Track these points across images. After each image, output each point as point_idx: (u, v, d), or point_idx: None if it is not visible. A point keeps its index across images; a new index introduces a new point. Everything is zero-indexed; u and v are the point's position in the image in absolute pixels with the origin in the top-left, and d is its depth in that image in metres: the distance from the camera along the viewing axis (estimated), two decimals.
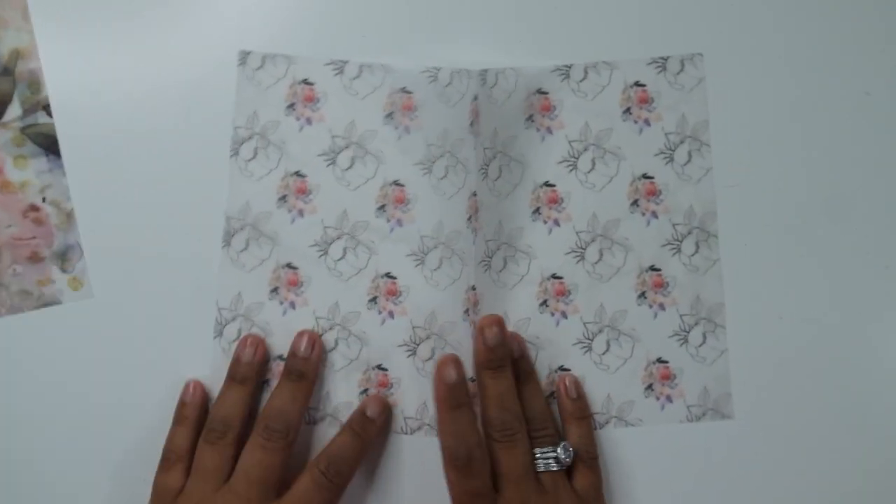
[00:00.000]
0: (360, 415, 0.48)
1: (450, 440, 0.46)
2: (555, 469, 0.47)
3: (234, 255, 0.50)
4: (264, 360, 0.49)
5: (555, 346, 0.50)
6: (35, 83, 0.50)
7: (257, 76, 0.51)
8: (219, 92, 0.51)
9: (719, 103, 0.51)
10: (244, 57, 0.51)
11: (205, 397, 0.49)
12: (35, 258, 0.49)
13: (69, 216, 0.50)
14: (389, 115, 0.51)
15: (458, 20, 0.52)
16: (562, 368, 0.50)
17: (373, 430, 0.48)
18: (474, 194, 0.50)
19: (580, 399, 0.49)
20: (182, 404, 0.48)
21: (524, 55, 0.51)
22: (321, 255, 0.50)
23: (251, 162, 0.51)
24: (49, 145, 0.50)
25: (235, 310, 0.50)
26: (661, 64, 0.51)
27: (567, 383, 0.49)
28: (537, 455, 0.47)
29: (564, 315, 0.50)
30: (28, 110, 0.50)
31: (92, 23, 0.51)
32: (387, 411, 0.49)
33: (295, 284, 0.50)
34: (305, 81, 0.51)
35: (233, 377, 0.48)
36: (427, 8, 0.52)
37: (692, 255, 0.51)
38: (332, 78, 0.51)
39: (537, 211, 0.51)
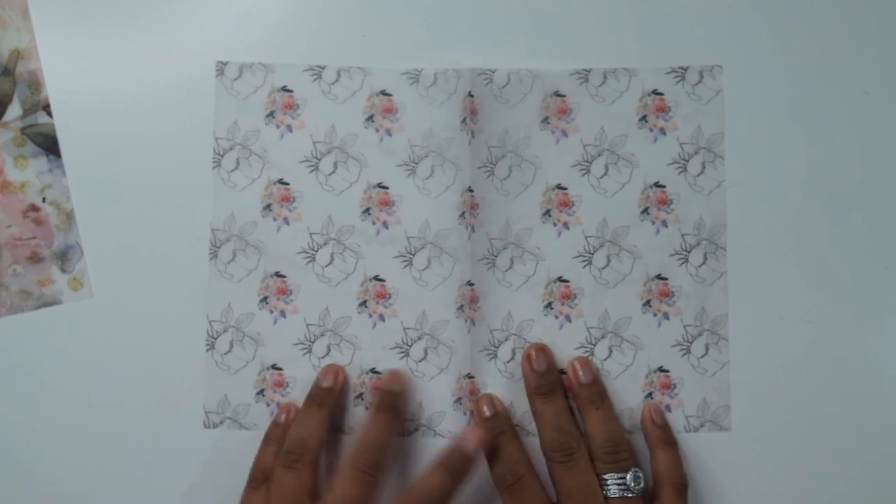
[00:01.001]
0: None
1: (496, 466, 0.47)
2: (629, 496, 0.46)
3: (221, 267, 0.50)
4: (343, 389, 0.49)
5: (557, 350, 0.50)
6: (35, 83, 0.50)
7: (235, 86, 0.51)
8: None
9: (736, 116, 0.51)
10: (221, 67, 0.51)
11: None
12: (35, 258, 0.49)
13: (69, 216, 0.50)
14: (370, 118, 0.51)
15: (478, 23, 0.51)
16: (562, 372, 0.50)
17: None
18: (469, 190, 0.50)
19: (666, 426, 0.49)
20: (274, 425, 0.49)
21: (544, 58, 0.51)
22: (309, 262, 0.50)
23: (234, 172, 0.50)
24: (49, 145, 0.50)
25: (226, 321, 0.50)
26: (681, 74, 0.51)
27: (652, 410, 0.49)
28: (608, 480, 0.46)
29: (569, 319, 0.50)
30: (28, 110, 0.49)
31: (92, 23, 0.51)
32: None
33: (284, 293, 0.50)
34: (284, 89, 0.51)
35: (312, 399, 0.48)
36: (449, 12, 0.51)
37: (699, 266, 0.51)
38: (310, 84, 0.51)
39: (547, 213, 0.51)
